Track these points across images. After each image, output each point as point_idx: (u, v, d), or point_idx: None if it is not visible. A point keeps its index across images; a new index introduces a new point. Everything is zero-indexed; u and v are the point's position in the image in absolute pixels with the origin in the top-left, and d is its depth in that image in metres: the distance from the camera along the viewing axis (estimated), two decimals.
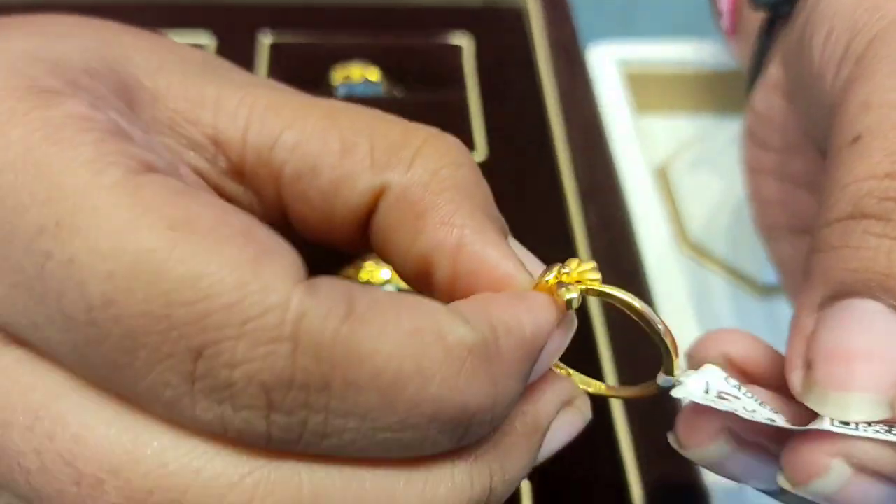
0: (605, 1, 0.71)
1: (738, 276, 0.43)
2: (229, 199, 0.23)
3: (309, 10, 0.51)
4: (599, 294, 0.22)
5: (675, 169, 0.47)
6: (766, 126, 0.35)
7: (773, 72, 0.34)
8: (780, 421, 0.22)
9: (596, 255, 0.38)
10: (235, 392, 0.17)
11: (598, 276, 0.22)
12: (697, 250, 0.43)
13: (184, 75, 0.23)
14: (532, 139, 0.44)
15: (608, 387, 0.25)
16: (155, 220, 0.17)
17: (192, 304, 0.17)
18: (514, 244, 0.23)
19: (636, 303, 0.22)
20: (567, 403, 0.23)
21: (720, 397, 0.22)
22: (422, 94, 0.46)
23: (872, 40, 0.26)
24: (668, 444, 0.24)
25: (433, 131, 0.23)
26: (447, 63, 0.48)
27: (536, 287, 0.22)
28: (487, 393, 0.19)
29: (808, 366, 0.23)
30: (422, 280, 0.23)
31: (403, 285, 0.36)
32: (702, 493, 0.32)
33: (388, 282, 0.36)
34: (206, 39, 0.48)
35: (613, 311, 0.36)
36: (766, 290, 0.42)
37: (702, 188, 0.45)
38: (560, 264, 0.22)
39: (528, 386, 0.21)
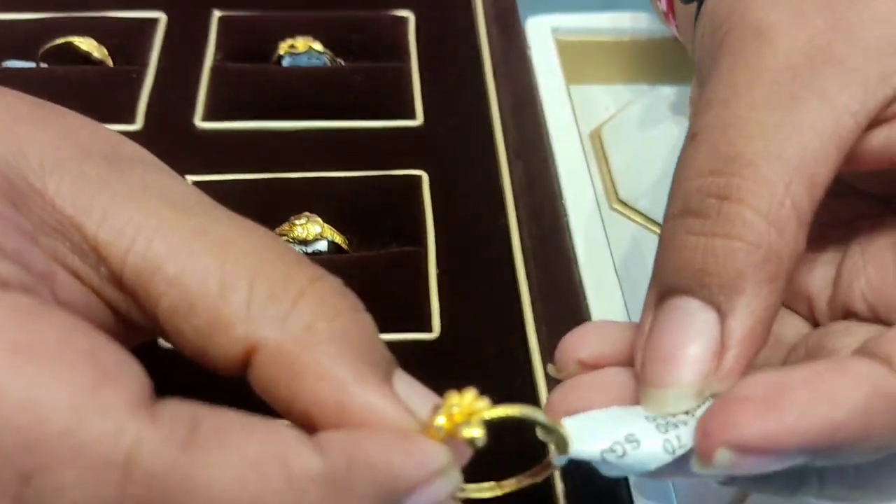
0: None
1: None
2: (109, 304, 0.23)
3: None
4: (496, 419, 0.22)
5: (609, 132, 0.49)
6: None
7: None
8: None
9: (522, 209, 0.40)
10: None
11: (485, 402, 0.22)
12: (627, 206, 0.45)
13: (77, 178, 0.23)
14: (468, 105, 0.46)
15: (506, 483, 0.25)
16: None
17: (25, 429, 0.17)
18: (403, 381, 0.23)
19: (532, 414, 0.23)
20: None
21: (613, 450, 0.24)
22: (365, 63, 0.48)
23: (727, 34, 0.27)
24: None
25: (316, 274, 0.23)
26: (391, 34, 0.50)
27: (428, 431, 0.22)
28: None
29: (642, 364, 0.25)
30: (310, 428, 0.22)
31: (336, 238, 0.38)
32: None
33: (319, 235, 0.38)
34: (158, 14, 0.50)
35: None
36: None
37: (633, 149, 0.47)
38: (445, 402, 0.22)
39: None
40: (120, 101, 0.44)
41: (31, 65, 0.46)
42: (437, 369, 0.35)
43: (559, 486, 0.32)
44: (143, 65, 0.47)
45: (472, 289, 0.38)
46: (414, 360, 0.35)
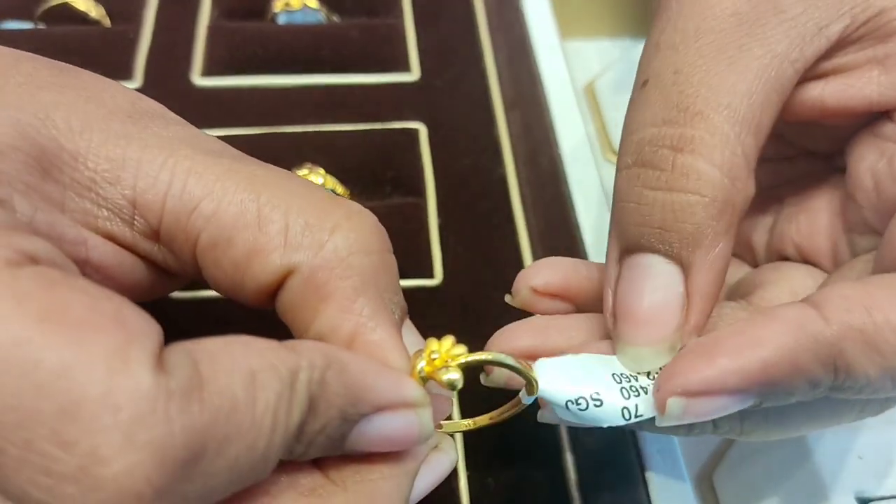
0: None
1: None
2: (143, 256, 0.25)
3: None
4: (471, 364, 0.24)
5: (602, 85, 0.49)
6: None
7: None
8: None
9: (519, 158, 0.41)
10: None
11: (462, 349, 0.24)
12: None
13: (107, 134, 0.23)
14: (463, 59, 0.47)
15: (480, 419, 0.27)
16: (28, 310, 0.17)
17: (65, 394, 0.17)
18: (409, 332, 0.25)
19: (505, 359, 0.24)
20: (434, 448, 0.25)
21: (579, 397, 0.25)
22: (359, 19, 0.48)
23: None
24: None
25: (352, 210, 0.24)
26: None
27: (412, 375, 0.23)
28: (303, 409, 0.20)
29: (614, 319, 0.26)
30: None
31: (338, 189, 0.39)
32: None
33: (322, 186, 0.38)
34: None
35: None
36: None
37: (626, 102, 0.48)
38: (427, 348, 0.24)
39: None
40: (118, 60, 0.45)
41: (30, 25, 0.46)
42: (440, 314, 0.36)
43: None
44: (140, 24, 0.47)
45: (472, 236, 0.39)
46: (418, 306, 0.36)
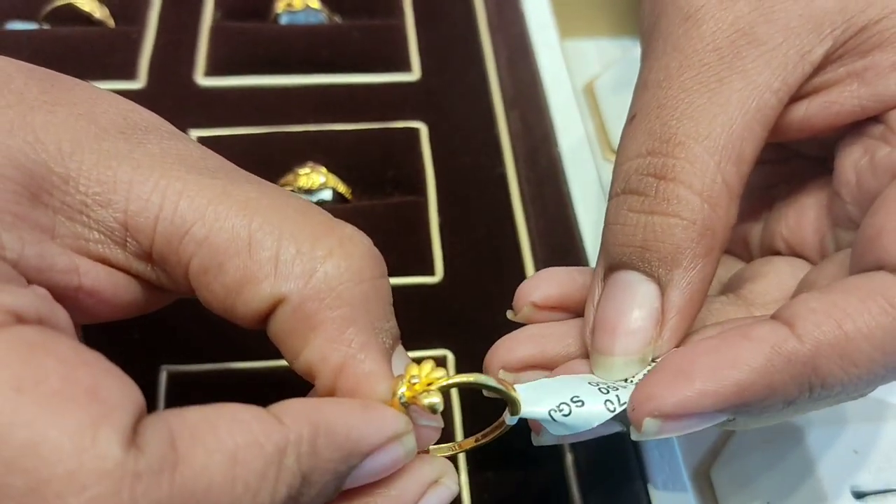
0: None
1: None
2: (137, 276, 0.25)
3: None
4: (452, 386, 0.24)
5: (601, 85, 0.50)
6: None
7: None
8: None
9: (518, 156, 0.42)
10: None
11: (442, 372, 0.24)
12: None
13: (98, 156, 0.23)
14: (463, 58, 0.47)
15: (464, 442, 0.28)
16: (2, 380, 0.17)
17: (33, 472, 0.17)
18: (399, 358, 0.25)
19: (485, 381, 0.25)
20: (434, 483, 0.25)
21: (560, 409, 0.25)
22: (361, 20, 0.49)
23: (660, 16, 0.28)
24: None
25: (345, 235, 0.24)
26: None
27: (392, 401, 0.24)
28: (293, 484, 0.20)
29: (592, 332, 0.27)
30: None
31: (340, 187, 0.39)
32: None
33: (324, 185, 0.39)
34: None
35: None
36: None
37: (625, 102, 0.48)
38: (406, 373, 0.24)
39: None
40: (122, 61, 0.45)
41: (34, 26, 0.46)
42: (440, 311, 0.37)
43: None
44: (144, 24, 0.47)
45: (472, 234, 0.39)
46: (419, 303, 0.37)
